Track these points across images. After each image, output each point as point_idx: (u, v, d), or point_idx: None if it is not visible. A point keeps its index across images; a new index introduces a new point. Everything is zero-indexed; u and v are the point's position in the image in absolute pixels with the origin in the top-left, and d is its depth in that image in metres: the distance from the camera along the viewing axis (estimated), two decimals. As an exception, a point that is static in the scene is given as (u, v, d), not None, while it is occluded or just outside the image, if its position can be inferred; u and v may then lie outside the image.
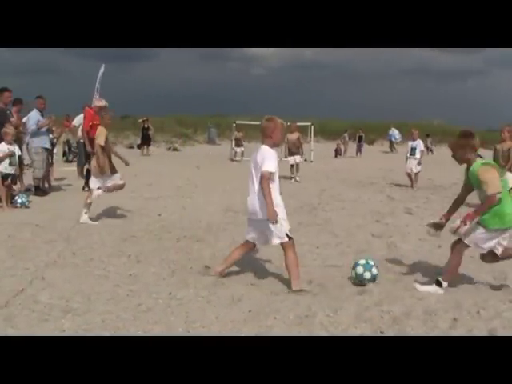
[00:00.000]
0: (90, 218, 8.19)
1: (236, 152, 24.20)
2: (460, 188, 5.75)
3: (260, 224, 5.22)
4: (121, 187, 8.70)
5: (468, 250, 5.34)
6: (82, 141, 12.89)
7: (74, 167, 14.05)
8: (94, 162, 8.29)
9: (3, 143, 9.41)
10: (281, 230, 5.16)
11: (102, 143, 8.26)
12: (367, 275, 5.34)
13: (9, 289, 4.91)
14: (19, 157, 9.90)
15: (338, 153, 28.95)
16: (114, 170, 8.50)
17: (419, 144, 14.51)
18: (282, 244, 5.22)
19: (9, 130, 9.43)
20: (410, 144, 14.63)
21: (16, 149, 9.56)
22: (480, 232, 5.08)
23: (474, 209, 5.19)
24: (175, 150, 30.94)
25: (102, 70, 17.23)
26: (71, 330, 4.03)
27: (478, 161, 5.11)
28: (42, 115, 11.28)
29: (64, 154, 20.43)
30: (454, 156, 5.32)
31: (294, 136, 15.69)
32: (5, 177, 9.24)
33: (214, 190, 12.65)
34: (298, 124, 17.23)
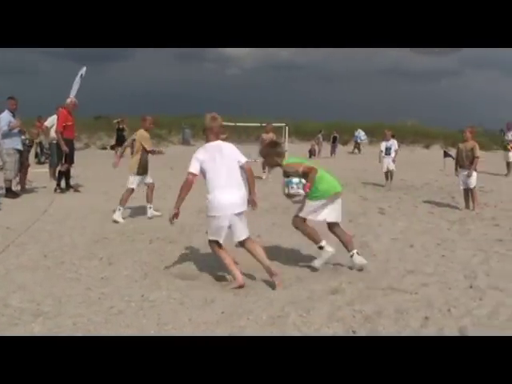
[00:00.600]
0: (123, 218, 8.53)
1: None
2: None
3: (239, 218, 5.32)
4: (153, 186, 9.34)
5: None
6: (54, 142, 12.75)
7: (46, 169, 13.88)
8: (134, 161, 8.76)
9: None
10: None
11: (150, 148, 8.95)
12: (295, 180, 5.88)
13: (-22, 293, 4.85)
14: None
15: (312, 153, 29.05)
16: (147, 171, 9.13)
17: (393, 144, 14.79)
18: (247, 239, 5.42)
19: None
20: (385, 144, 14.94)
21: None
22: (308, 205, 6.02)
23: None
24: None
25: (82, 72, 17.03)
26: (42, 333, 3.99)
27: (284, 162, 6.05)
28: (14, 116, 11.12)
29: (36, 155, 20.13)
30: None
31: (269, 136, 16.01)
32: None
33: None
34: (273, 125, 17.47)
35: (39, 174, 13.70)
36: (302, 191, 5.81)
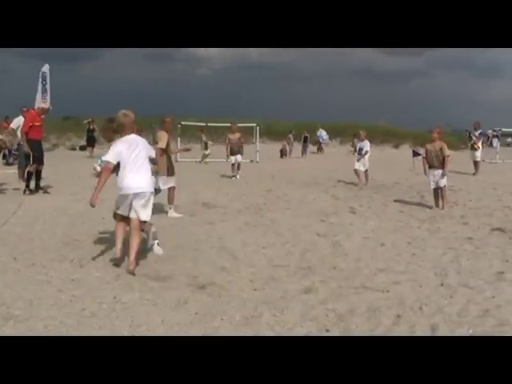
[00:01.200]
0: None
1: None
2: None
3: (143, 198, 5.93)
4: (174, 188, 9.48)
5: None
6: (22, 143, 12.52)
7: (14, 170, 13.65)
8: (162, 164, 8.60)
9: None
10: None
11: (163, 146, 8.77)
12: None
13: None
14: None
15: (283, 153, 29.15)
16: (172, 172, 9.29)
17: (366, 144, 15.07)
18: (143, 222, 6.04)
19: None
20: (358, 144, 15.37)
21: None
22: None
23: None
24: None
25: (44, 69, 16.82)
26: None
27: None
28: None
29: (4, 156, 19.80)
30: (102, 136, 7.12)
31: (235, 136, 16.73)
32: None
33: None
34: (243, 125, 17.95)
35: (8, 175, 13.46)
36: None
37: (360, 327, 4.32)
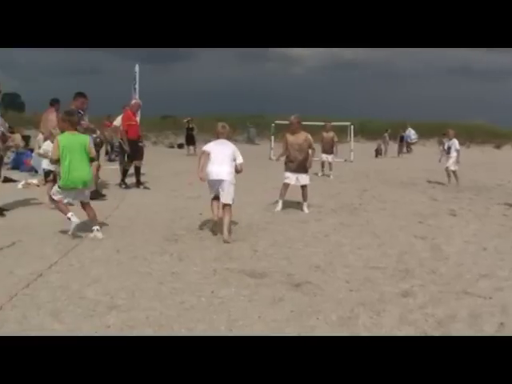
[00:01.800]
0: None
1: None
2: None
3: (222, 184, 7.44)
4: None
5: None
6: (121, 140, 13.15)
7: (116, 166, 14.26)
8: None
9: (48, 141, 9.66)
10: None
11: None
12: None
13: (55, 284, 5.03)
14: None
15: (378, 153, 28.61)
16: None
17: (455, 143, 14.61)
18: (229, 205, 7.44)
19: (56, 131, 9.66)
20: (447, 143, 14.97)
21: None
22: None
23: None
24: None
25: (136, 69, 17.49)
26: (116, 326, 4.09)
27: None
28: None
29: (107, 152, 20.78)
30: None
31: (329, 135, 16.75)
32: (47, 173, 9.47)
33: (254, 189, 12.65)
34: (338, 124, 17.90)
35: (111, 171, 14.09)
36: None
37: (461, 333, 4.15)
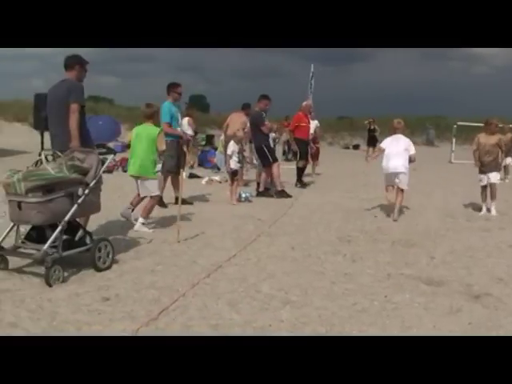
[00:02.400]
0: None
1: None
2: None
3: (399, 175, 8.66)
4: None
5: None
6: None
7: (292, 165, 14.58)
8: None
9: (232, 142, 10.19)
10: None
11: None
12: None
13: (233, 276, 5.28)
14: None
15: None
16: None
17: None
18: (402, 190, 8.73)
19: (240, 133, 10.17)
20: None
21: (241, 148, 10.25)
22: None
23: None
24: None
25: (311, 70, 17.83)
26: (289, 321, 4.17)
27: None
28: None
29: (284, 153, 21.34)
30: None
31: (507, 137, 15.29)
32: (234, 173, 9.98)
33: (432, 193, 12.20)
34: None
35: (288, 170, 14.44)
36: None
37: None
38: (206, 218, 8.16)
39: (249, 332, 3.92)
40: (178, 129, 9.32)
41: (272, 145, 12.25)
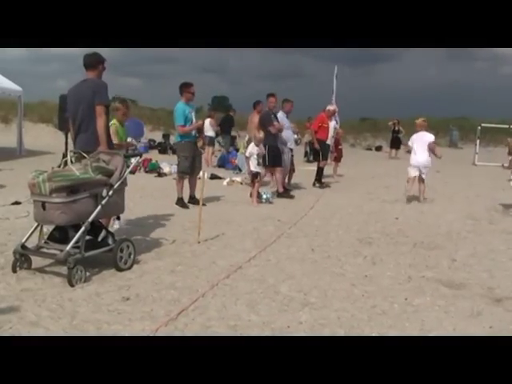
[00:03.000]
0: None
1: None
2: None
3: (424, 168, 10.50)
4: None
5: None
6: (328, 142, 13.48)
7: (314, 167, 14.56)
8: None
9: (252, 144, 10.21)
10: None
11: None
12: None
13: (253, 277, 5.29)
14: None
15: None
16: None
17: None
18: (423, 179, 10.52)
19: (259, 134, 10.17)
20: None
21: (262, 149, 10.23)
22: None
23: None
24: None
25: (335, 71, 17.83)
26: (308, 323, 4.17)
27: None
28: (287, 117, 11.90)
29: (305, 154, 21.32)
30: None
31: None
32: (254, 175, 10.00)
33: (455, 195, 12.09)
34: None
35: (308, 171, 14.43)
36: None
37: None
38: (226, 218, 8.19)
39: (267, 333, 3.93)
40: (195, 124, 9.33)
41: (294, 146, 12.27)
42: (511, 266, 6.07)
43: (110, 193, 5.24)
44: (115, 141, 6.55)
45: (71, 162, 5.45)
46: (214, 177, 13.71)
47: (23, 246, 5.08)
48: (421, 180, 10.65)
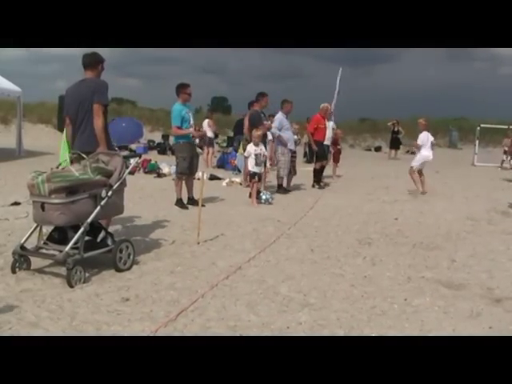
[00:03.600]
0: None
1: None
2: None
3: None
4: None
5: None
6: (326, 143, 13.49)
7: (312, 167, 14.56)
8: None
9: (251, 144, 10.21)
10: None
11: None
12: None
13: (252, 278, 5.28)
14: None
15: None
16: None
17: None
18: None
19: (257, 133, 10.17)
20: None
21: (262, 150, 10.24)
22: None
23: None
24: (413, 153, 30.25)
25: (339, 72, 17.82)
26: (308, 323, 4.17)
27: None
28: (287, 118, 11.91)
29: (305, 154, 21.30)
30: None
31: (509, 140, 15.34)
32: (252, 175, 9.99)
33: (454, 196, 12.10)
34: None
35: (307, 172, 14.42)
36: None
37: None
38: (225, 219, 8.19)
39: (267, 334, 3.93)
40: (191, 129, 9.32)
41: (293, 147, 12.27)
42: (511, 267, 6.07)
43: (110, 193, 5.23)
44: None
45: (70, 162, 5.44)
46: (213, 177, 13.71)
47: (22, 247, 5.08)
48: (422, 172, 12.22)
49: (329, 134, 13.59)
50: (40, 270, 5.16)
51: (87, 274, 4.99)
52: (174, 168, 11.42)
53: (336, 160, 15.56)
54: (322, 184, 13.14)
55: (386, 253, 6.47)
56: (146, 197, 10.20)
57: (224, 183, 12.93)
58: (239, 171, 15.19)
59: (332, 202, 10.61)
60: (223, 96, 61.42)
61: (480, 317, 4.49)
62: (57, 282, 4.89)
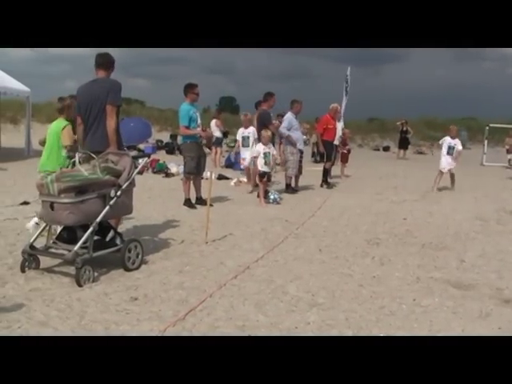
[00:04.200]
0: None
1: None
2: None
3: None
4: None
5: None
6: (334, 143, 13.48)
7: (321, 167, 14.54)
8: None
9: (260, 144, 10.22)
10: None
11: None
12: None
13: (260, 278, 5.28)
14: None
15: None
16: None
17: None
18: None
19: (266, 133, 10.18)
20: None
21: (271, 149, 10.23)
22: None
23: None
24: (421, 153, 30.20)
25: (348, 72, 17.78)
26: (316, 323, 4.16)
27: None
28: (296, 118, 11.89)
29: (313, 154, 21.27)
30: None
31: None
32: (262, 175, 9.99)
33: (463, 196, 12.04)
34: None
35: (315, 172, 14.40)
36: None
37: None
38: (233, 219, 8.20)
39: (275, 334, 3.92)
40: (198, 129, 9.32)
41: (303, 147, 12.27)
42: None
43: (118, 193, 5.25)
44: (68, 143, 6.38)
45: (80, 162, 5.46)
46: (221, 177, 13.71)
47: (32, 246, 5.10)
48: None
49: (338, 133, 13.58)
50: (49, 270, 5.19)
51: (96, 274, 5.01)
52: (182, 168, 11.44)
53: (344, 160, 15.53)
54: (330, 184, 13.12)
55: (395, 253, 6.45)
56: (154, 197, 10.22)
57: (232, 183, 12.91)
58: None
59: (340, 201, 10.58)
60: (231, 96, 61.59)
61: (489, 317, 4.47)
62: (66, 281, 4.91)
